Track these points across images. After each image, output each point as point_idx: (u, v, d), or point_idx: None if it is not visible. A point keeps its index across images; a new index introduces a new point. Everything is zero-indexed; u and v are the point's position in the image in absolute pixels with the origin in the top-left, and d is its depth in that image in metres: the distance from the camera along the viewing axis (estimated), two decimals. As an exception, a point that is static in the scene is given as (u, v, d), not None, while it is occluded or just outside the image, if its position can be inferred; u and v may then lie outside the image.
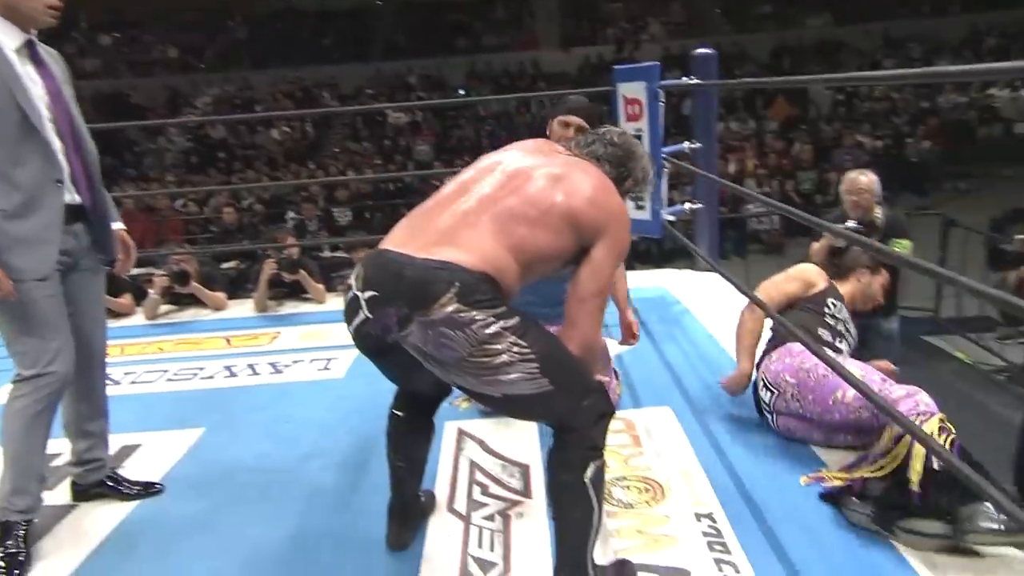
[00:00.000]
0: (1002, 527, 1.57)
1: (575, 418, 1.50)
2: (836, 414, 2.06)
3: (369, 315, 1.46)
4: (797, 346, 2.18)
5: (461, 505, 2.02)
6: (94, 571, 1.84)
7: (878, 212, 3.44)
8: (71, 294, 1.92)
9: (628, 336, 2.66)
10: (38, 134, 1.77)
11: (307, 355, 3.30)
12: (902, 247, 3.43)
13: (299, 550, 1.87)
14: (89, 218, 1.94)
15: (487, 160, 1.67)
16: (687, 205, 3.94)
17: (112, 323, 3.04)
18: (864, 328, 2.75)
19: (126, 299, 4.05)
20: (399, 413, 1.78)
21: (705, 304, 3.49)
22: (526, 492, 2.07)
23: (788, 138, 11.93)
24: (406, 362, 1.53)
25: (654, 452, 2.23)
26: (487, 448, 2.32)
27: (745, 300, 2.46)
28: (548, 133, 2.55)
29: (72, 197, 1.87)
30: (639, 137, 3.42)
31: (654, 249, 8.54)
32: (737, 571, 1.67)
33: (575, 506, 1.51)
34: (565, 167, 1.61)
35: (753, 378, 2.36)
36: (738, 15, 18.31)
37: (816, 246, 3.23)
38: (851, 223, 3.27)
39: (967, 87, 13.24)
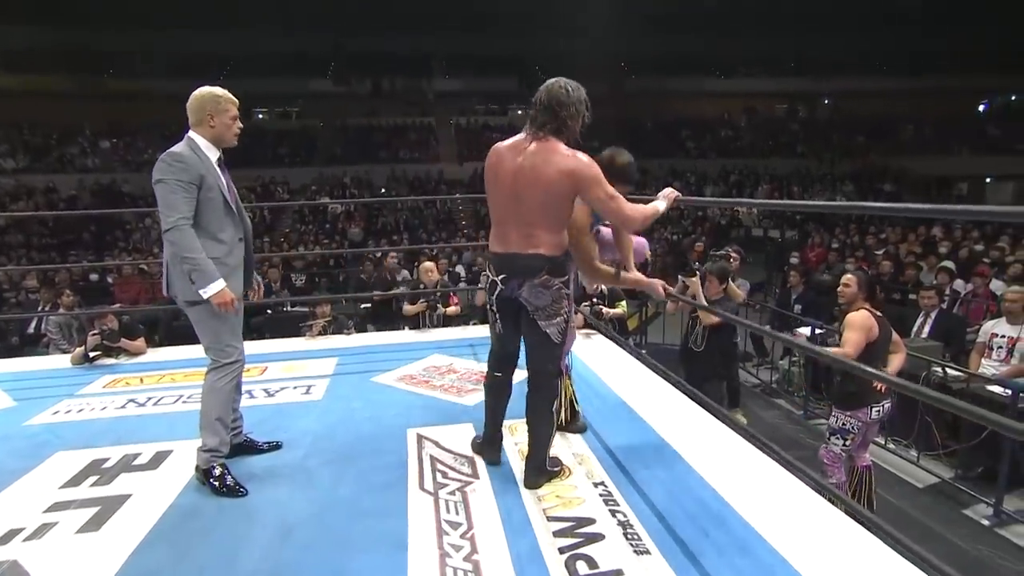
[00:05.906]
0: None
1: (552, 366, 1.96)
2: None
3: (503, 287, 1.92)
4: None
5: (429, 485, 2.03)
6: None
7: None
8: None
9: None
10: None
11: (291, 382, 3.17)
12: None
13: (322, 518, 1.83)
14: None
15: (498, 182, 1.85)
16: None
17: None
18: None
19: (140, 342, 3.67)
20: (497, 374, 2.11)
21: (586, 352, 3.65)
22: (474, 475, 2.10)
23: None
24: (514, 319, 1.98)
25: (561, 446, 2.33)
26: (440, 446, 2.33)
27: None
28: None
29: None
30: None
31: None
32: (625, 516, 1.83)
33: (545, 424, 1.98)
34: (533, 157, 1.79)
35: None
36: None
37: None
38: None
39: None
